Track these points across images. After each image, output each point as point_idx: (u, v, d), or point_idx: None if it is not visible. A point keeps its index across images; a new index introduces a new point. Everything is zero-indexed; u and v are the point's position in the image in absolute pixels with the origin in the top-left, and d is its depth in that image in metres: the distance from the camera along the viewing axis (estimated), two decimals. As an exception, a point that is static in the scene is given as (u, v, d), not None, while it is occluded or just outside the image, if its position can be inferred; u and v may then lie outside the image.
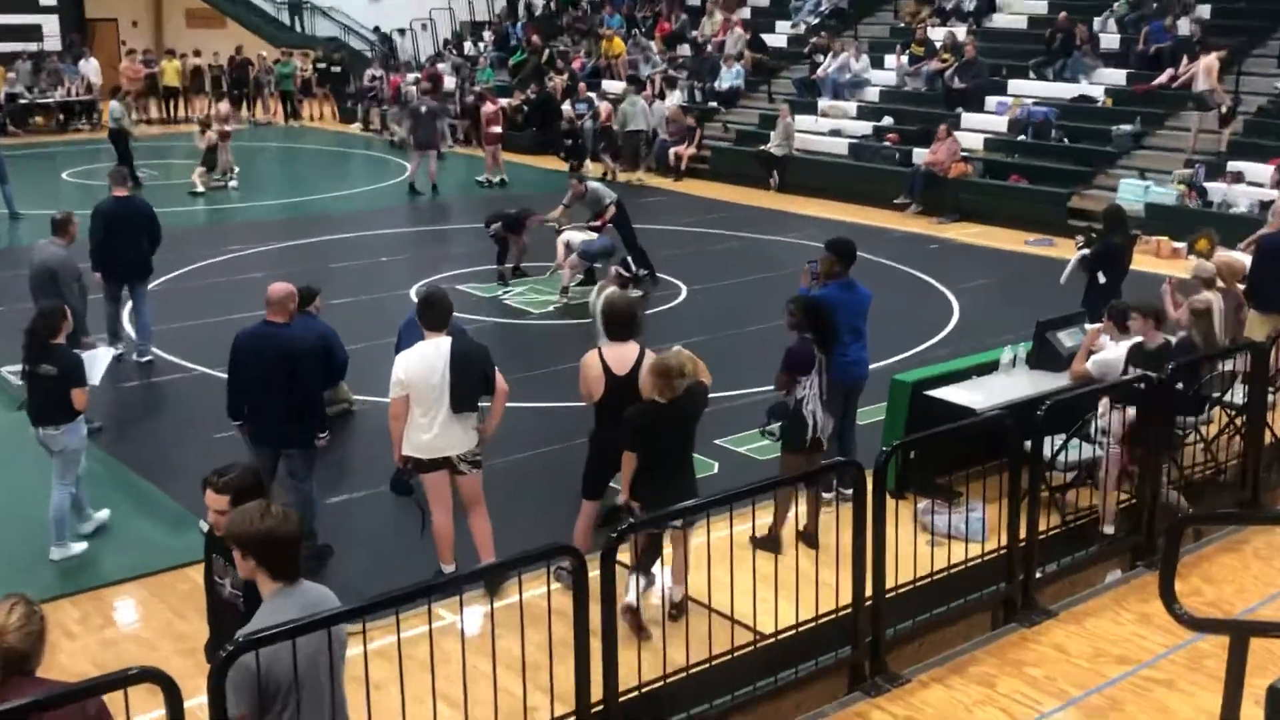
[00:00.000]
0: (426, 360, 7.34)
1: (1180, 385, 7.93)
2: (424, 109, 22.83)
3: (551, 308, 14.75)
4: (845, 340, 8.44)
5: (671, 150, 24.96)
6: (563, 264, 15.18)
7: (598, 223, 15.62)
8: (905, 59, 25.19)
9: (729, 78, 27.05)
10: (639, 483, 6.97)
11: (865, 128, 24.07)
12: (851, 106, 24.94)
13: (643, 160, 24.69)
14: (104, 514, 8.85)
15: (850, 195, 22.12)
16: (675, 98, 26.80)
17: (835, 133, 24.13)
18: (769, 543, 7.82)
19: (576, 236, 15.34)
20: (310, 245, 18.44)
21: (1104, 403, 8.14)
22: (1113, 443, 8.00)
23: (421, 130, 22.65)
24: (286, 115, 33.41)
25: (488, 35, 34.16)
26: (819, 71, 25.88)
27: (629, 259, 9.15)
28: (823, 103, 25.21)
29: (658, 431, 6.96)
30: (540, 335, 13.85)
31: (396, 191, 23.17)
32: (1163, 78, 21.64)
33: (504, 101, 26.64)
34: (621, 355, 7.46)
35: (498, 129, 24.14)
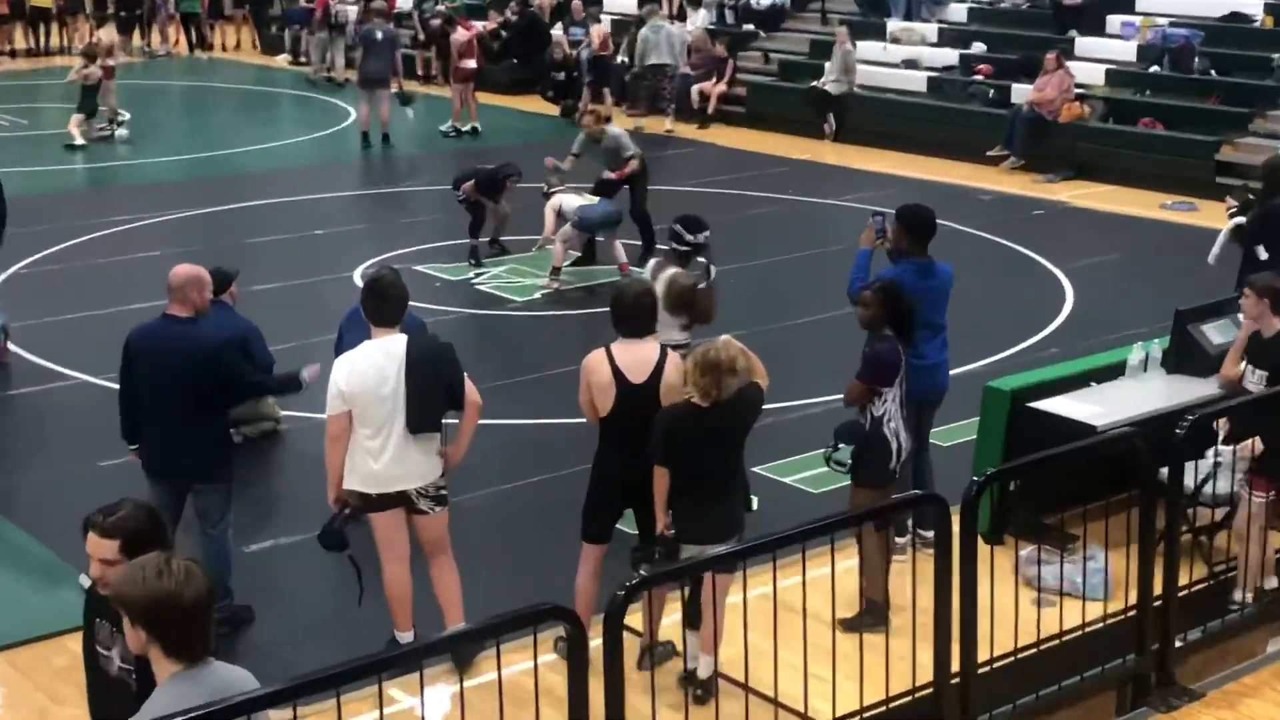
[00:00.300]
0: (374, 365, 7.35)
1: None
2: (379, 35, 22.86)
3: (539, 294, 14.75)
4: (919, 337, 8.47)
5: (695, 88, 25.00)
6: (552, 236, 15.19)
7: (614, 175, 15.58)
8: (1001, -34, 25.23)
9: (772, -9, 27.08)
10: (670, 509, 7.13)
11: (949, 57, 24.07)
12: (931, 29, 24.95)
13: (666, 104, 24.64)
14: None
15: (929, 146, 22.14)
16: (700, 19, 26.82)
17: (910, 64, 24.16)
18: (869, 618, 7.77)
19: (571, 201, 15.32)
20: (224, 215, 18.46)
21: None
22: (1242, 473, 7.97)
23: (374, 62, 22.69)
24: (191, 44, 33.50)
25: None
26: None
27: (679, 227, 8.87)
28: (893, 24, 25.18)
29: (696, 444, 7.03)
30: (525, 330, 13.88)
31: (338, 143, 23.30)
32: (1340, -10, 21.61)
33: (478, 26, 26.78)
34: (637, 356, 7.49)
35: (471, 63, 24.20)
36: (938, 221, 9.05)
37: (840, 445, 7.96)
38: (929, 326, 8.67)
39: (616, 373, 7.41)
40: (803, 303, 14.23)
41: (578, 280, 15.12)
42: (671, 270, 9.55)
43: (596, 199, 15.34)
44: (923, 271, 8.77)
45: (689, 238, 9.79)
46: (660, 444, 7.08)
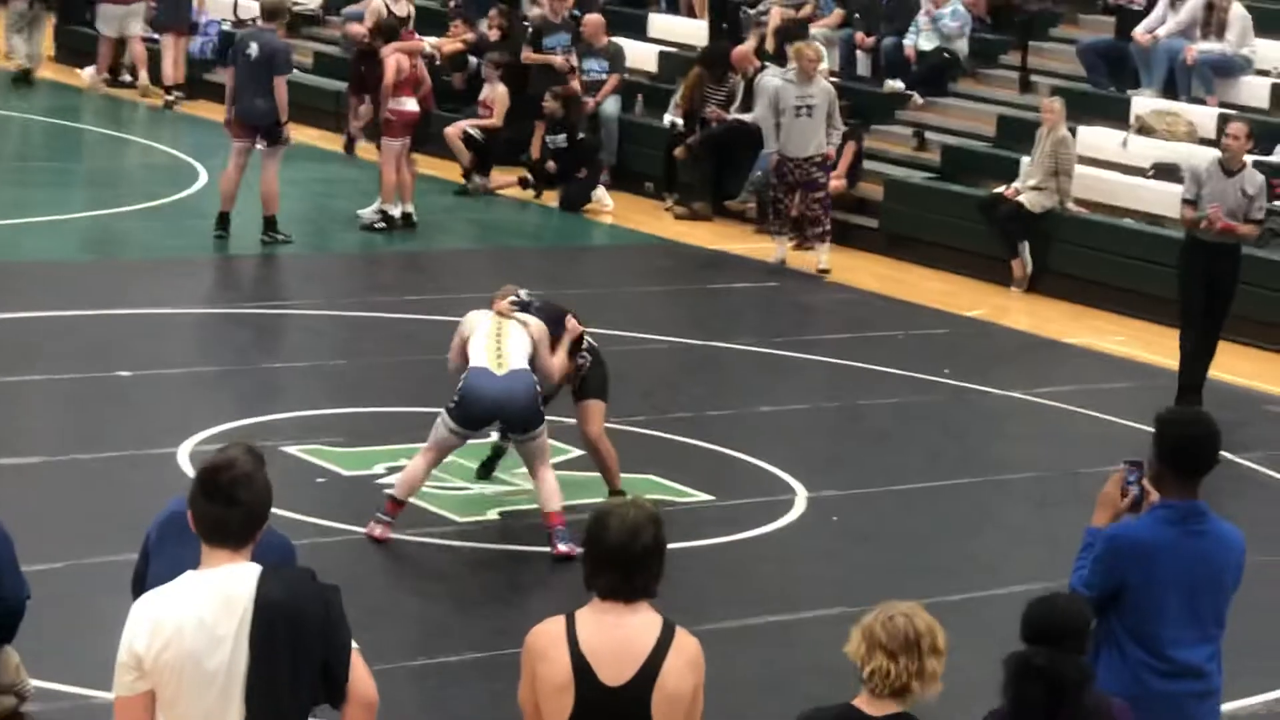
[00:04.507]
0: (198, 616, 6.00)
1: None
2: (253, 49, 17.34)
3: (495, 514, 11.62)
4: (1171, 638, 7.12)
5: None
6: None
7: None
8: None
9: (939, 28, 22.58)
10: None
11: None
12: (1207, 115, 19.51)
13: (818, 226, 19.49)
14: None
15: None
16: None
17: (1166, 171, 18.84)
18: None
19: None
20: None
21: None
22: None
23: (249, 95, 17.32)
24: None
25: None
26: (1139, 31, 21.52)
27: None
28: (1142, 102, 20.61)
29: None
30: (466, 572, 11.29)
31: (174, 223, 18.97)
32: None
33: (428, 44, 20.54)
34: (618, 636, 6.23)
35: (411, 105, 18.44)
36: (1220, 449, 7.13)
37: None
38: (1191, 618, 7.22)
39: (579, 664, 6.17)
40: (951, 560, 11.69)
41: (574, 491, 11.78)
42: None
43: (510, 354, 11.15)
44: (1184, 524, 7.14)
45: None
46: None
